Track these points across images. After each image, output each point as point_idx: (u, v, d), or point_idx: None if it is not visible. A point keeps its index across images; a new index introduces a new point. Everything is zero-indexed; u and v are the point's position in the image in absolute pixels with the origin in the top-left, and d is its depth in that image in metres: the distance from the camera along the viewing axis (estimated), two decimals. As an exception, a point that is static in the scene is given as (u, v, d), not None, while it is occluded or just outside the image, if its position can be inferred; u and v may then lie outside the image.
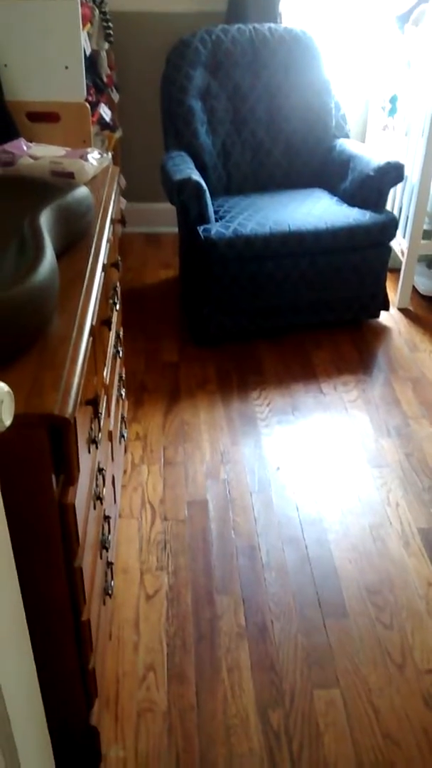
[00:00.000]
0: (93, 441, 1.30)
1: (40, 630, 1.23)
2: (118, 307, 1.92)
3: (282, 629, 1.80)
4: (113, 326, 1.80)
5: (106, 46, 3.04)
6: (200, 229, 2.72)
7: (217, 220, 2.81)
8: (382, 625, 1.81)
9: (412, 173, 3.08)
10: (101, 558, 1.47)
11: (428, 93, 2.91)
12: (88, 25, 2.65)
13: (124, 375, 2.24)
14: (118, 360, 1.97)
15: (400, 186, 3.19)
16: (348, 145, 3.15)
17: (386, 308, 3.12)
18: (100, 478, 1.41)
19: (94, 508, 1.35)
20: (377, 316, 3.14)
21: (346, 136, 3.26)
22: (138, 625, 1.80)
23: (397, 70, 3.27)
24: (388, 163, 2.87)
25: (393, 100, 3.31)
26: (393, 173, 2.88)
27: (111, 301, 1.74)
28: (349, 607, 1.86)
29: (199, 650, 1.74)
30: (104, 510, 1.52)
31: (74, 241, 1.47)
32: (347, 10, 3.47)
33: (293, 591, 1.90)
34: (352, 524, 2.11)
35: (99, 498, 1.39)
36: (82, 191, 1.51)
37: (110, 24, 3.02)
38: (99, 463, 1.42)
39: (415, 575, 1.95)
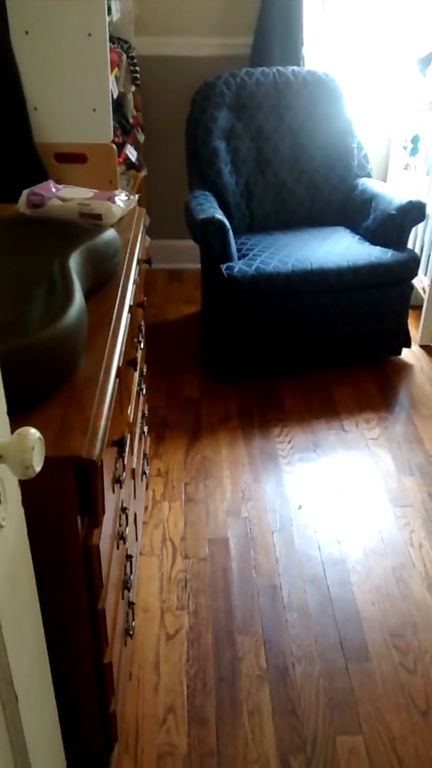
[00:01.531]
0: (117, 480, 1.31)
1: (62, 672, 1.23)
2: (142, 346, 1.94)
3: (304, 672, 1.77)
4: (138, 365, 1.81)
5: (133, 88, 3.11)
6: (223, 266, 2.75)
7: (239, 258, 2.84)
8: (406, 670, 1.78)
9: (434, 212, 3.10)
10: (123, 598, 1.46)
11: (450, 134, 2.94)
12: (116, 69, 2.72)
13: (146, 411, 2.25)
14: (141, 397, 1.98)
15: (421, 225, 3.21)
16: (370, 184, 3.18)
17: (408, 345, 3.12)
18: (123, 517, 1.42)
19: (117, 548, 1.35)
20: (399, 353, 3.13)
21: (369, 176, 3.29)
22: (158, 665, 1.78)
23: (419, 111, 3.31)
24: (410, 202, 2.89)
25: (415, 140, 3.34)
26: (415, 212, 2.90)
27: (136, 339, 1.76)
28: (372, 651, 1.83)
29: (219, 692, 1.72)
30: (127, 549, 1.52)
31: (102, 282, 1.49)
32: (369, 53, 3.54)
33: (315, 633, 1.87)
34: (375, 565, 2.09)
35: (122, 537, 1.39)
36: (110, 234, 1.54)
37: (137, 68, 3.10)
38: (122, 502, 1.43)
39: (439, 619, 1.92)
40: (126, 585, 1.48)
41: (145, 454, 2.14)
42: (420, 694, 1.72)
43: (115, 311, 1.38)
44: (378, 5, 3.42)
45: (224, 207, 3.05)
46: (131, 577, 1.56)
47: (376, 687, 1.74)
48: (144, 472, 2.10)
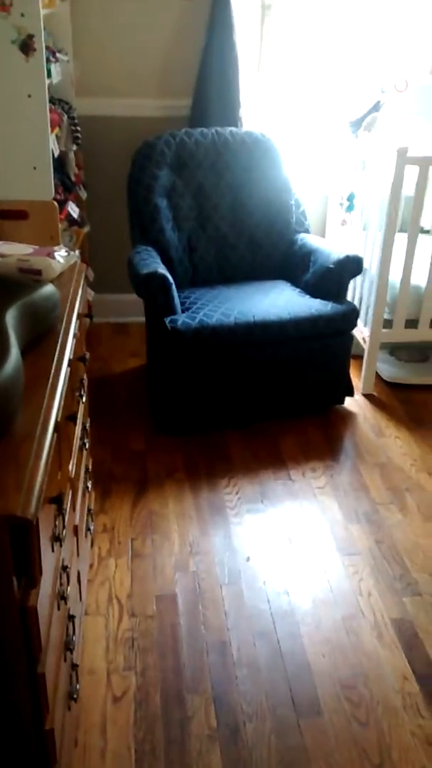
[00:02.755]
0: (57, 539, 1.28)
1: (0, 740, 1.17)
2: (84, 399, 1.93)
3: (255, 730, 1.73)
4: (79, 420, 1.80)
5: (74, 147, 3.16)
6: (167, 320, 2.78)
7: (183, 311, 2.87)
8: (358, 723, 1.76)
9: (371, 265, 3.20)
10: (65, 660, 1.42)
11: (382, 191, 3.06)
12: (57, 128, 2.77)
13: (90, 466, 2.22)
14: (85, 452, 1.96)
15: (359, 277, 3.31)
16: (309, 239, 3.27)
17: (351, 394, 3.17)
18: (64, 576, 1.38)
19: (58, 608, 1.31)
20: (342, 402, 3.18)
21: (307, 231, 3.39)
22: (105, 729, 1.72)
23: (353, 170, 3.44)
24: (347, 257, 2.98)
25: (350, 197, 3.47)
26: (352, 266, 3.00)
27: (77, 394, 1.75)
28: (323, 704, 1.80)
29: (169, 755, 1.67)
30: (69, 609, 1.48)
31: (40, 337, 1.49)
32: (305, 115, 3.68)
33: (266, 688, 1.84)
34: (325, 616, 2.07)
35: (63, 597, 1.35)
36: (49, 289, 1.54)
37: (78, 127, 3.16)
38: (63, 561, 1.40)
39: (389, 668, 1.91)
40: (68, 646, 1.43)
41: (89, 510, 2.11)
42: (373, 747, 1.70)
43: (54, 366, 1.37)
44: (312, 70, 3.58)
45: (167, 262, 3.10)
46: (74, 638, 1.52)
47: (328, 742, 1.71)
48: (88, 529, 2.06)
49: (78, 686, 1.58)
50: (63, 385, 1.36)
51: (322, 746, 1.70)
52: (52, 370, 1.36)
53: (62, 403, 1.34)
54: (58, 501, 1.27)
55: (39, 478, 1.04)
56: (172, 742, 1.69)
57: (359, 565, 2.27)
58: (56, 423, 1.22)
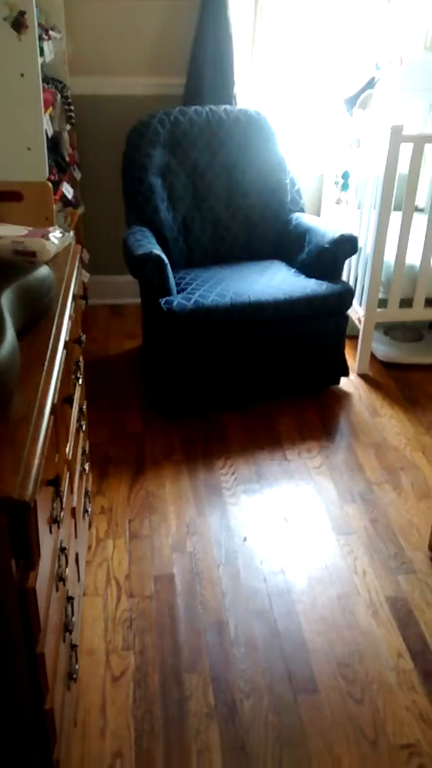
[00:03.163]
0: (55, 520, 1.28)
1: (1, 720, 1.18)
2: (80, 382, 1.92)
3: (252, 708, 1.75)
4: (76, 402, 1.80)
5: (68, 127, 3.13)
6: (162, 301, 2.77)
7: (178, 293, 2.86)
8: (354, 700, 1.78)
9: (366, 244, 3.19)
10: (64, 641, 1.43)
11: (377, 170, 3.04)
12: (50, 108, 2.74)
13: (87, 448, 2.23)
14: (81, 434, 1.96)
15: (354, 257, 3.30)
16: (304, 218, 3.26)
17: (346, 374, 3.18)
18: (62, 558, 1.39)
19: (57, 589, 1.32)
20: (338, 382, 3.19)
21: (302, 210, 3.37)
22: (104, 709, 1.74)
23: (348, 148, 3.42)
24: (342, 236, 2.97)
25: (345, 175, 3.45)
26: (347, 245, 2.98)
27: (74, 376, 1.75)
28: (319, 682, 1.82)
29: (167, 733, 1.69)
30: (67, 590, 1.49)
31: (36, 319, 1.48)
32: (299, 92, 3.65)
33: (263, 667, 1.86)
34: (320, 594, 2.09)
35: (62, 579, 1.36)
36: (44, 270, 1.53)
37: (72, 107, 3.13)
38: (61, 543, 1.40)
39: (384, 646, 1.93)
40: (67, 627, 1.45)
41: (86, 492, 2.12)
42: (368, 723, 1.72)
43: (50, 348, 1.37)
44: (306, 47, 3.54)
45: (162, 242, 3.08)
46: (73, 618, 1.53)
47: (324, 719, 1.73)
48: (86, 510, 2.07)
49: (77, 666, 1.59)
50: (59, 368, 1.36)
51: (318, 723, 1.72)
52: (48, 353, 1.36)
53: (58, 385, 1.34)
54: (55, 483, 1.28)
55: (36, 461, 1.05)
56: (170, 720, 1.72)
57: (354, 544, 2.29)
58: (52, 405, 1.22)
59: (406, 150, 2.95)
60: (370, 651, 1.91)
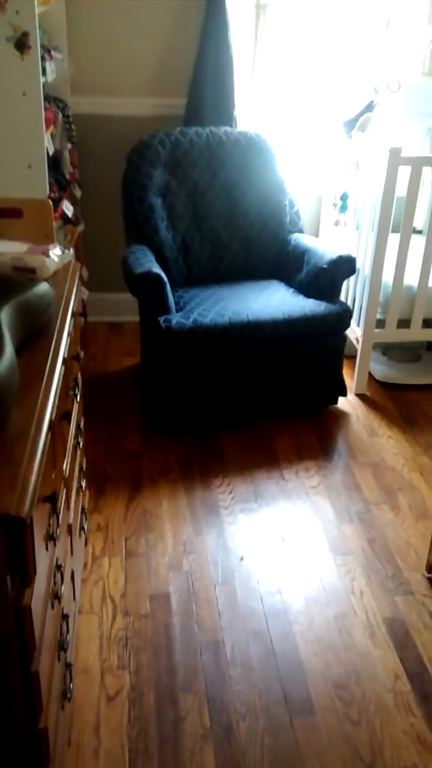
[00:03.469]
0: (51, 537, 1.28)
1: (-6, 741, 1.17)
2: (78, 398, 1.92)
3: (248, 729, 1.74)
4: (73, 418, 1.80)
5: (69, 146, 3.16)
6: (161, 319, 2.78)
7: (177, 311, 2.87)
8: (350, 722, 1.76)
9: (364, 265, 3.21)
10: (59, 660, 1.42)
11: (375, 192, 3.07)
12: (51, 127, 2.76)
13: (84, 465, 2.22)
14: (79, 451, 1.96)
15: (353, 277, 3.31)
16: (302, 239, 3.28)
17: (344, 394, 3.18)
18: (58, 575, 1.38)
19: (52, 607, 1.31)
20: (335, 402, 3.19)
21: (301, 231, 3.40)
22: (99, 728, 1.72)
23: (347, 170, 3.45)
24: (341, 257, 2.99)
25: (344, 197, 3.48)
26: (345, 266, 3.00)
27: (72, 393, 1.75)
28: (316, 703, 1.81)
29: (162, 754, 1.67)
30: (63, 608, 1.48)
31: (35, 335, 1.49)
32: (299, 115, 3.69)
33: (259, 688, 1.84)
34: (317, 615, 2.08)
35: (57, 596, 1.35)
36: (43, 287, 1.54)
37: (73, 126, 3.16)
38: (57, 560, 1.40)
39: (381, 667, 1.91)
40: (62, 646, 1.43)
41: (83, 509, 2.11)
42: (365, 745, 1.70)
43: (48, 364, 1.37)
44: (306, 70, 3.59)
45: (161, 261, 3.10)
46: (68, 637, 1.52)
47: (321, 741, 1.71)
48: (82, 528, 2.06)
49: (72, 685, 1.58)
50: (57, 384, 1.36)
51: (314, 745, 1.70)
52: (47, 369, 1.36)
53: (56, 401, 1.34)
54: (52, 500, 1.27)
55: (33, 477, 1.04)
56: (165, 741, 1.70)
57: (351, 565, 2.28)
58: (50, 422, 1.22)
59: (404, 172, 2.98)
60: (367, 672, 1.90)
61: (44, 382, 1.31)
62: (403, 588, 2.18)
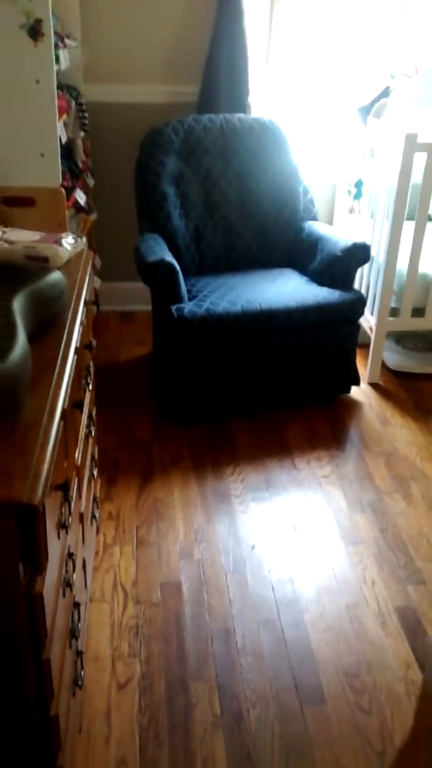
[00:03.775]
0: (63, 526, 1.28)
1: (5, 726, 1.18)
2: (90, 387, 1.93)
3: (258, 717, 1.74)
4: (85, 407, 1.80)
5: (82, 134, 3.15)
6: (173, 308, 2.77)
7: (190, 300, 2.87)
8: (361, 711, 1.76)
9: (378, 253, 3.19)
10: (70, 647, 1.42)
11: (391, 179, 3.04)
12: (65, 115, 2.76)
13: (96, 454, 2.23)
14: (90, 440, 1.96)
15: (367, 266, 3.29)
16: (316, 227, 3.26)
17: (357, 383, 3.17)
18: (70, 563, 1.39)
19: (64, 595, 1.32)
20: (348, 391, 3.18)
21: (315, 219, 3.37)
22: (109, 716, 1.74)
23: (361, 157, 3.42)
24: (355, 244, 2.97)
25: (358, 184, 3.45)
26: (360, 254, 2.98)
27: (84, 381, 1.75)
28: (326, 692, 1.81)
29: (173, 742, 1.68)
30: (74, 596, 1.48)
31: (47, 324, 1.48)
32: (313, 102, 3.65)
33: (270, 676, 1.85)
34: (329, 604, 2.08)
35: (69, 584, 1.36)
36: (56, 276, 1.54)
37: (86, 114, 3.15)
38: (69, 548, 1.40)
39: (393, 656, 1.91)
40: (74, 633, 1.44)
41: (95, 498, 2.11)
42: (376, 734, 1.71)
43: (61, 353, 1.37)
44: (321, 56, 3.55)
45: (174, 250, 3.09)
46: (79, 625, 1.52)
47: (331, 729, 1.72)
48: (94, 516, 2.07)
49: (83, 673, 1.59)
50: (69, 373, 1.36)
51: (325, 733, 1.71)
52: (59, 358, 1.36)
53: (69, 390, 1.34)
54: (64, 488, 1.28)
55: (45, 466, 1.05)
56: (176, 728, 1.71)
57: (363, 554, 2.28)
58: (63, 411, 1.22)
59: (420, 159, 2.95)
60: (378, 661, 1.90)
61: (56, 371, 1.31)
62: (415, 577, 2.18)
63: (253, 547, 2.30)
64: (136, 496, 2.51)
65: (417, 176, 3.04)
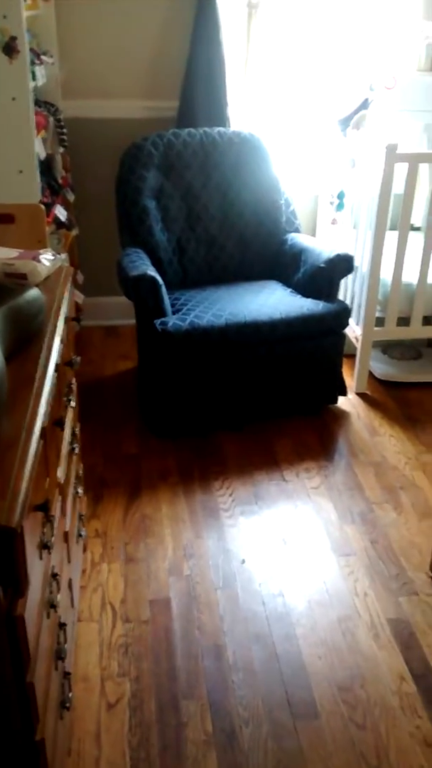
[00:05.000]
0: (45, 546, 1.26)
1: (-11, 754, 1.15)
2: (73, 404, 1.91)
3: (251, 734, 1.71)
4: (68, 425, 1.78)
5: (61, 150, 3.15)
6: (157, 322, 2.76)
7: (174, 313, 2.86)
8: (355, 725, 1.74)
9: (362, 264, 3.19)
10: (56, 669, 1.40)
11: (372, 189, 3.05)
12: (43, 131, 2.75)
13: (81, 471, 2.20)
14: (74, 457, 1.94)
15: (351, 276, 3.29)
16: (299, 238, 3.26)
17: (344, 393, 3.16)
18: (54, 584, 1.36)
19: (48, 616, 1.29)
20: (336, 401, 3.17)
21: (297, 231, 3.38)
22: (99, 737, 1.70)
23: (343, 169, 3.43)
24: (338, 255, 2.97)
25: (340, 195, 3.46)
26: (343, 265, 2.98)
27: (65, 399, 1.73)
28: (320, 707, 1.78)
29: (164, 762, 1.65)
30: (59, 617, 1.46)
31: (26, 342, 1.47)
32: (293, 114, 3.67)
33: (262, 692, 1.82)
34: (320, 617, 2.06)
35: (53, 605, 1.33)
36: (33, 293, 1.52)
37: (65, 130, 3.14)
38: (53, 568, 1.38)
39: (386, 669, 1.89)
40: (59, 655, 1.42)
41: (80, 516, 2.09)
42: (371, 749, 1.68)
43: (40, 370, 1.36)
44: (300, 68, 3.57)
45: (157, 263, 3.08)
46: (66, 645, 1.50)
47: (325, 745, 1.69)
48: (80, 534, 2.04)
49: (71, 694, 1.56)
50: (49, 391, 1.34)
51: (319, 749, 1.68)
52: (38, 375, 1.34)
53: (49, 408, 1.32)
54: (44, 508, 1.25)
55: (23, 485, 1.03)
56: (167, 748, 1.68)
57: (354, 565, 2.26)
58: (42, 429, 1.20)
59: (400, 169, 2.96)
60: (371, 675, 1.88)
61: (35, 388, 1.29)
62: (407, 588, 2.16)
63: (243, 561, 2.28)
64: (123, 513, 2.49)
65: (398, 186, 3.05)
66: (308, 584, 2.18)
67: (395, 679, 1.86)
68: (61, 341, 1.61)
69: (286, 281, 3.22)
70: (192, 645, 1.96)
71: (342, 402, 3.22)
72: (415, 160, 2.97)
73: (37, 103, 2.82)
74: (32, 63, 2.52)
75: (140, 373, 3.16)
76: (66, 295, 1.78)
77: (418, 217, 3.65)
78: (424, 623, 2.03)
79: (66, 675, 1.53)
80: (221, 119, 3.45)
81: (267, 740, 1.70)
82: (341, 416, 3.12)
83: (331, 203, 3.56)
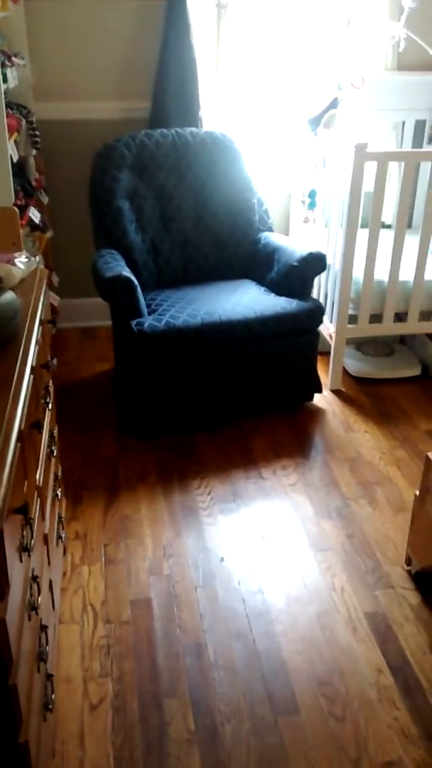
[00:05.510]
0: (25, 549, 1.26)
1: (-27, 758, 1.16)
2: (50, 407, 1.91)
3: (233, 731, 1.73)
4: (45, 427, 1.78)
5: (34, 152, 3.14)
6: (133, 323, 2.76)
7: (149, 314, 2.86)
8: (335, 719, 1.77)
9: (335, 262, 3.22)
10: (39, 671, 1.40)
11: (343, 188, 3.08)
12: (15, 134, 2.74)
13: (60, 473, 2.20)
14: (53, 459, 1.94)
15: (324, 274, 3.32)
16: (272, 237, 3.28)
17: (319, 390, 3.19)
18: (34, 586, 1.37)
19: (29, 619, 1.30)
20: (311, 398, 3.20)
21: (270, 230, 3.40)
22: (83, 738, 1.71)
23: (314, 168, 3.46)
24: (311, 254, 3.00)
25: (312, 194, 3.48)
26: (316, 263, 3.01)
27: (43, 401, 1.74)
28: (300, 702, 1.81)
29: (148, 761, 1.66)
30: (41, 619, 1.46)
31: (2, 345, 1.47)
32: (264, 113, 3.69)
33: (243, 689, 1.84)
34: (299, 613, 2.08)
35: (34, 608, 1.34)
36: (9, 296, 1.52)
37: (37, 132, 3.14)
38: (33, 571, 1.38)
39: (364, 662, 1.92)
40: (41, 657, 1.42)
41: (60, 518, 2.09)
42: (350, 742, 1.71)
43: (16, 374, 1.36)
44: (270, 69, 3.59)
45: (132, 264, 3.08)
46: (47, 647, 1.50)
47: (306, 739, 1.71)
48: (60, 537, 2.05)
49: (54, 696, 1.56)
50: (26, 394, 1.35)
51: (300, 744, 1.70)
52: (14, 379, 1.34)
53: (26, 411, 1.33)
54: (23, 511, 1.26)
55: (2, 489, 1.03)
56: (150, 747, 1.69)
57: (332, 561, 2.29)
58: (20, 432, 1.21)
59: (370, 168, 2.99)
60: (350, 668, 1.90)
61: (12, 392, 1.29)
62: (383, 582, 2.20)
63: (222, 559, 2.30)
64: (102, 514, 2.49)
65: (368, 185, 3.09)
66: (287, 581, 2.21)
67: (373, 672, 1.89)
68: (37, 344, 1.62)
69: (261, 280, 3.24)
70: (173, 644, 1.97)
71: (317, 399, 3.25)
72: (384, 159, 3.01)
73: (9, 105, 2.82)
74: (3, 65, 2.52)
75: (117, 374, 3.16)
76: (41, 297, 1.78)
77: (388, 215, 3.70)
78: (401, 616, 2.07)
79: (48, 677, 1.53)
80: (193, 119, 3.46)
81: (249, 736, 1.72)
82: (317, 413, 3.15)
83: (303, 202, 3.59)
